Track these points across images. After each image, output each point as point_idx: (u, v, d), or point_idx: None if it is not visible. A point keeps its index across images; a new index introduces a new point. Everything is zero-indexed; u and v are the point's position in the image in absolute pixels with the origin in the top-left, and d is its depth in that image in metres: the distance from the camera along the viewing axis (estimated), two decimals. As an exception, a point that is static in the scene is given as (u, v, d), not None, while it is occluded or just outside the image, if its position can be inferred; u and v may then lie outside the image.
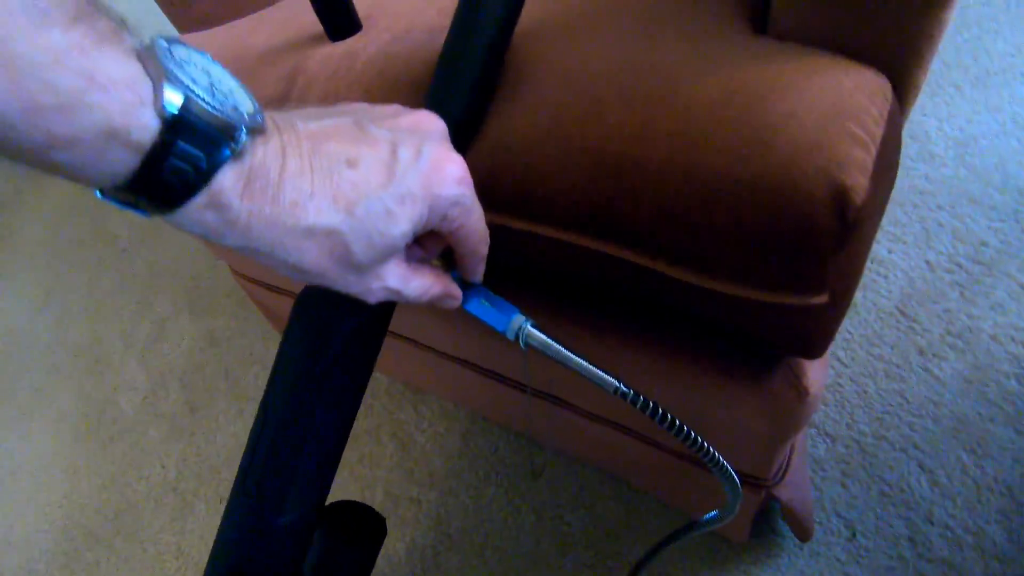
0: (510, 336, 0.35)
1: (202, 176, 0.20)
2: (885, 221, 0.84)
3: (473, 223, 0.29)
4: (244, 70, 0.57)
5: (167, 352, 1.21)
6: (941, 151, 0.90)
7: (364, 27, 0.55)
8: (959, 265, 0.79)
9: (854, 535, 0.64)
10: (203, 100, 0.20)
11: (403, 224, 0.25)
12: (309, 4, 0.53)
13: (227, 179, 0.21)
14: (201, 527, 0.94)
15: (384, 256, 0.26)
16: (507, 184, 0.40)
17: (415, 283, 0.29)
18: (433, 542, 0.78)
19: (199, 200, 0.21)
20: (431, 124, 0.29)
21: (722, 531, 0.65)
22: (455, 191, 0.26)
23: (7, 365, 1.37)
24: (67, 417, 1.19)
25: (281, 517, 0.43)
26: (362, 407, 1.02)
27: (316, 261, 0.24)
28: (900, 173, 0.36)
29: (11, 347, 1.41)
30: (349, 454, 0.91)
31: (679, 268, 0.34)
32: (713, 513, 0.45)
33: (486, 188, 0.42)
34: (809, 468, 0.69)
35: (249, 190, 0.22)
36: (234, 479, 0.44)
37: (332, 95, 0.50)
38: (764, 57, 0.34)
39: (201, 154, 0.20)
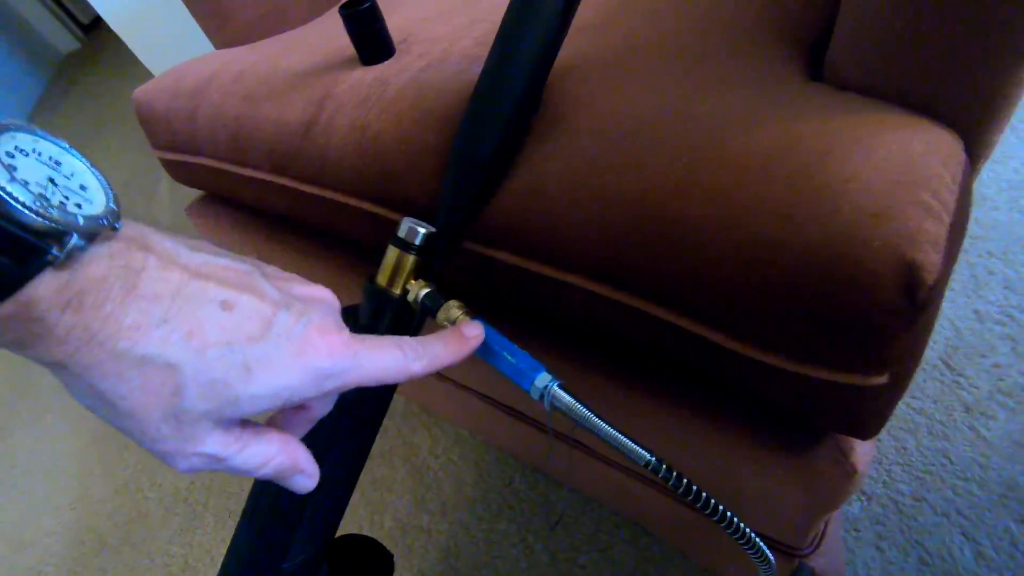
0: (534, 396, 0.33)
1: (6, 285, 0.18)
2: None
3: (366, 375, 0.25)
4: (275, 93, 0.56)
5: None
6: (993, 193, 0.86)
7: (397, 52, 0.54)
8: (1011, 317, 0.74)
9: (889, 605, 0.60)
10: (15, 201, 0.17)
11: (256, 387, 0.22)
12: (343, 26, 0.52)
13: (44, 289, 0.18)
14: (209, 541, 0.93)
15: (216, 415, 0.21)
16: (537, 228, 0.38)
17: (250, 451, 0.23)
18: (441, 575, 0.76)
19: (4, 310, 0.18)
20: (324, 297, 0.27)
21: (746, 591, 0.62)
22: (327, 363, 0.23)
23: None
24: (87, 419, 1.20)
25: (285, 562, 0.41)
26: (376, 429, 0.99)
27: (134, 397, 0.20)
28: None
29: (38, 343, 1.43)
30: (362, 478, 0.89)
31: (719, 334, 0.32)
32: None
33: (514, 230, 0.40)
34: (842, 527, 0.65)
35: (78, 303, 0.19)
36: (238, 520, 0.42)
37: (361, 122, 0.48)
38: (822, 109, 0.32)
39: (5, 261, 0.17)
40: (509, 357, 0.34)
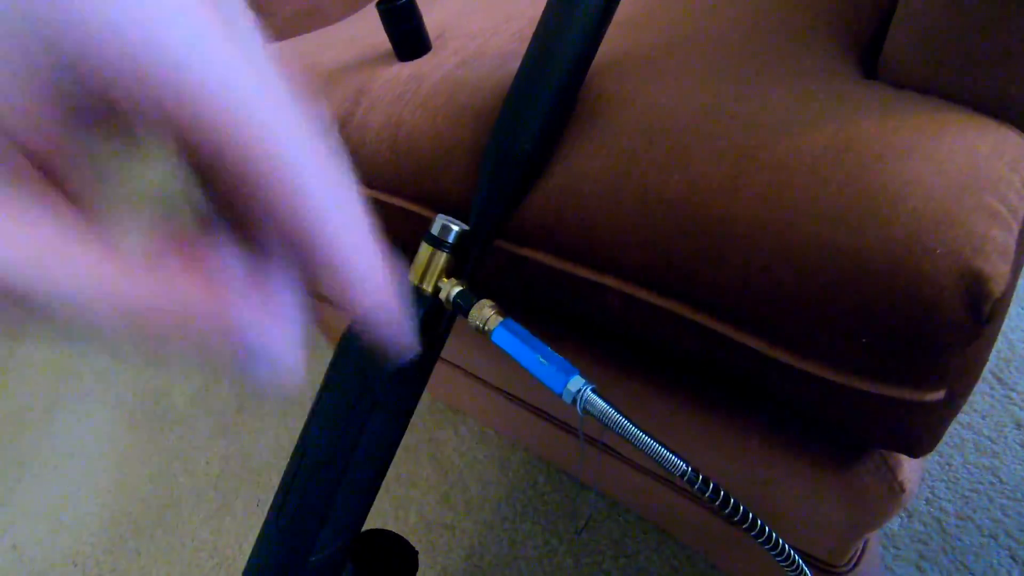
0: (567, 400, 0.32)
1: None
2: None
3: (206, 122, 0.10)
4: (311, 89, 0.56)
5: (220, 348, 1.24)
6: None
7: (434, 48, 0.54)
8: (1068, 330, 0.70)
9: (930, 628, 0.57)
10: None
11: None
12: (380, 22, 0.52)
13: None
14: (238, 527, 0.95)
15: (19, 63, 0.09)
16: (573, 228, 0.37)
17: (88, 270, 0.10)
18: (464, 573, 0.76)
19: None
20: None
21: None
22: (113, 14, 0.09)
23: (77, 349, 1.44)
24: (124, 404, 1.23)
25: (312, 555, 0.42)
26: (402, 424, 0.99)
27: None
28: None
29: (80, 330, 1.48)
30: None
31: (764, 343, 0.30)
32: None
33: (549, 229, 0.39)
34: (880, 545, 0.62)
35: None
36: (267, 511, 0.43)
37: (395, 118, 0.48)
38: (879, 109, 0.30)
39: None
40: (541, 360, 0.33)
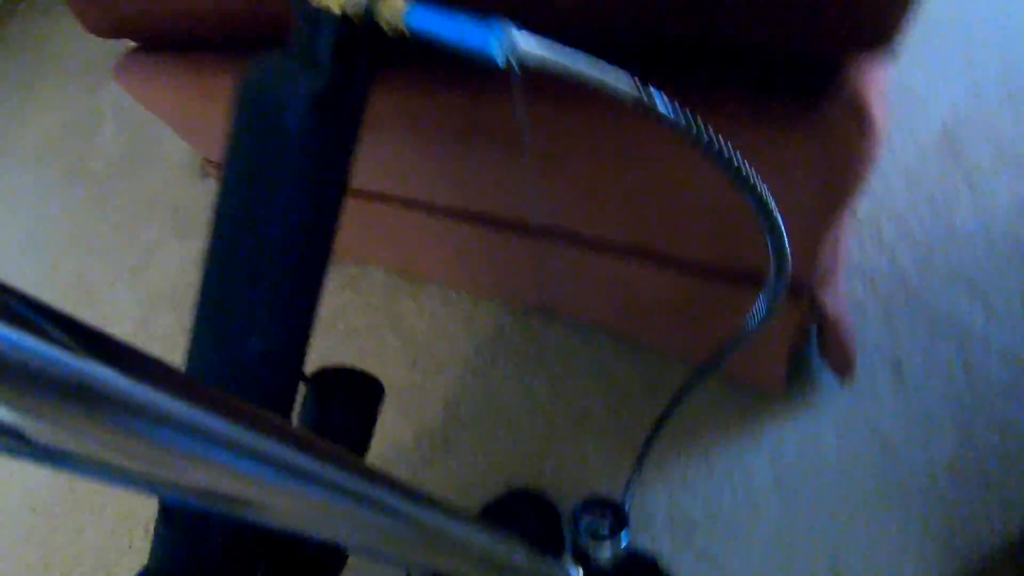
0: (493, 52, 0.28)
1: None
2: (922, 52, 0.76)
3: None
4: None
5: (154, 278, 1.15)
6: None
7: None
8: (1011, 94, 0.70)
9: (900, 371, 0.58)
10: None
11: None
12: None
13: None
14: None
15: None
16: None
17: None
18: (442, 425, 0.74)
19: None
20: None
21: (756, 379, 0.60)
22: None
23: (-4, 308, 1.32)
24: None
25: (252, 337, 0.37)
26: (359, 303, 0.96)
27: None
28: None
29: None
30: (349, 352, 0.86)
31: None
32: (756, 316, 0.39)
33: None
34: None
35: None
36: (194, 303, 0.38)
37: None
38: None
39: None
40: (464, 26, 0.29)
